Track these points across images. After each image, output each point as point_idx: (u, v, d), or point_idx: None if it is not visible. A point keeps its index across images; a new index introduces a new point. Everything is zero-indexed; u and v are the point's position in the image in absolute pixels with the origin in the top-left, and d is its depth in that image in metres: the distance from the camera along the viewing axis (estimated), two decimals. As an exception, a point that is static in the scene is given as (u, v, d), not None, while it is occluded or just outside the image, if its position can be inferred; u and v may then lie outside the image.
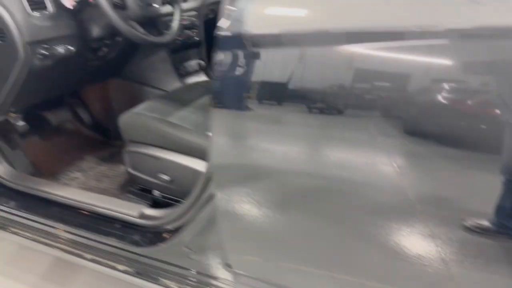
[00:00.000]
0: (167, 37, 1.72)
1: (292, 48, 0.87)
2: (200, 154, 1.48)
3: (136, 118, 1.60)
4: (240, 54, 0.92)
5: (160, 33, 1.73)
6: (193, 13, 2.21)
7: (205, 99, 1.78)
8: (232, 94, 0.97)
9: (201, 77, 2.29)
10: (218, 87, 0.99)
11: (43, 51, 1.52)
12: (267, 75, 0.91)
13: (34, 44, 1.48)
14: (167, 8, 1.85)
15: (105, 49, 1.84)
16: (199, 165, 1.48)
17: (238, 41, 0.90)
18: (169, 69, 2.16)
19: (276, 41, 0.87)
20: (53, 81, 1.76)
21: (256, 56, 0.90)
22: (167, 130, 1.52)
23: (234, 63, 0.93)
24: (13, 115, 1.76)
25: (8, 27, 1.43)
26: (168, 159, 1.52)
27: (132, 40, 1.59)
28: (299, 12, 0.87)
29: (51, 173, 1.97)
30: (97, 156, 2.15)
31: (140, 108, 1.65)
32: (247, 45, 0.90)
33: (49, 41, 1.53)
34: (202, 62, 2.32)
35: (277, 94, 0.91)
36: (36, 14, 1.51)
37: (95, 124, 2.27)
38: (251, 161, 1.00)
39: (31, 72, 1.53)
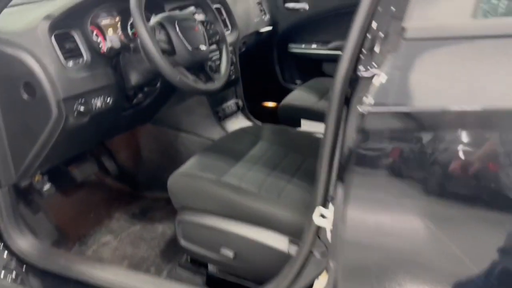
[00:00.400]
0: (217, 84, 1.49)
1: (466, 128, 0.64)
2: (268, 223, 1.24)
3: (188, 180, 1.36)
4: (394, 132, 0.69)
5: (208, 77, 1.50)
6: (230, 48, 1.98)
7: (259, 151, 1.55)
8: (382, 173, 0.73)
9: (240, 119, 2.06)
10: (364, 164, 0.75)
11: (79, 107, 1.28)
12: (429, 156, 0.67)
13: (69, 100, 1.25)
14: (212, 48, 1.62)
15: (140, 96, 1.61)
16: (268, 238, 1.25)
17: (392, 117, 0.67)
18: (207, 112, 1.94)
19: (447, 119, 0.65)
20: (85, 137, 1.52)
21: (413, 136, 0.67)
22: (227, 196, 1.28)
23: (386, 141, 0.70)
24: (39, 177, 1.51)
25: (40, 82, 1.20)
26: (231, 231, 1.28)
27: (172, 85, 1.35)
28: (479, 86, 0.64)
29: (78, 237, 1.71)
30: (127, 212, 1.90)
31: (189, 166, 1.41)
32: (403, 123, 0.67)
33: (86, 95, 1.30)
34: (240, 102, 2.10)
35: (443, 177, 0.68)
36: (70, 64, 1.28)
37: (122, 174, 2.03)
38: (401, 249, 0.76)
39: (64, 130, 1.29)
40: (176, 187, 1.37)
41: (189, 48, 1.38)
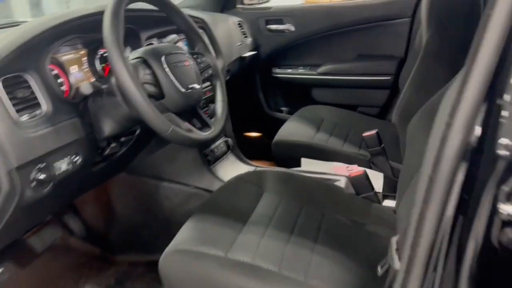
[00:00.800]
0: (215, 130, 1.20)
1: None
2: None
3: (186, 262, 1.05)
4: None
5: (203, 122, 1.21)
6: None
7: (266, 206, 1.27)
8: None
9: (232, 161, 1.77)
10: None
11: (39, 175, 0.96)
12: None
13: (24, 167, 0.92)
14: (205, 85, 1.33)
15: (114, 145, 1.28)
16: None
17: None
18: (194, 156, 1.63)
19: None
20: (46, 207, 1.18)
21: None
22: (242, 283, 0.99)
23: None
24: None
25: (-18, 148, 0.87)
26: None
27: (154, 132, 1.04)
28: None
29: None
30: (100, 283, 1.55)
31: (184, 239, 1.11)
32: None
33: (47, 158, 0.98)
34: (230, 140, 1.81)
35: None
36: (24, 118, 0.95)
37: (91, 235, 1.67)
38: None
39: (19, 207, 0.96)
40: (170, 271, 1.05)
41: (181, 89, 1.09)
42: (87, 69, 1.22)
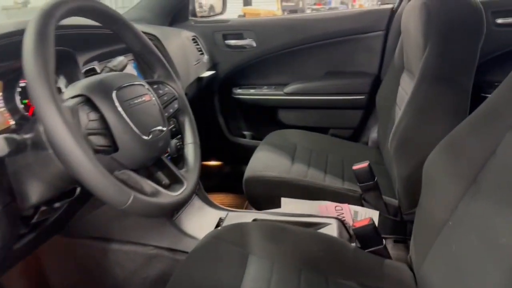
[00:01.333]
0: (188, 185, 0.89)
1: None
2: None
3: None
4: None
5: (171, 176, 0.89)
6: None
7: (257, 278, 0.98)
8: None
9: (199, 207, 1.45)
10: None
11: None
12: None
13: None
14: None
15: (44, 209, 0.93)
16: None
17: None
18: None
19: None
20: None
21: None
22: None
23: None
24: None
25: None
26: None
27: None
28: None
29: None
30: None
31: None
32: None
33: None
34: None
35: None
36: None
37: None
38: None
39: None
40: None
41: (143, 136, 0.78)
42: (3, 108, 0.87)
